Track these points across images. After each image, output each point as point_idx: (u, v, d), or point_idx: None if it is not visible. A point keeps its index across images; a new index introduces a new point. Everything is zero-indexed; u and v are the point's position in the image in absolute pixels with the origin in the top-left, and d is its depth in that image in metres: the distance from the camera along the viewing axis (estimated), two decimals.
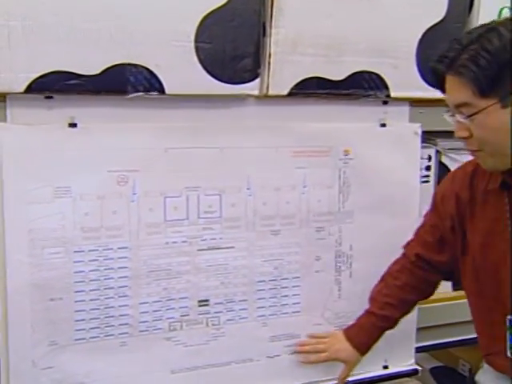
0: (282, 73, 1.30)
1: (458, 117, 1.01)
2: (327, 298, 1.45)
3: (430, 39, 1.41)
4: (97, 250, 1.24)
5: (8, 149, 1.15)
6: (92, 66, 1.16)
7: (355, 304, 1.43)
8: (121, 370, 1.29)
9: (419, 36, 1.41)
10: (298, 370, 1.45)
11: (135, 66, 1.19)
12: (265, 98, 1.31)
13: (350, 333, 1.36)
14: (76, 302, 1.24)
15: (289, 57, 1.30)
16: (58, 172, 1.19)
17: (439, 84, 1.03)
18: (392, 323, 1.34)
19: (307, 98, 1.35)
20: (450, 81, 1.00)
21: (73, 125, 1.19)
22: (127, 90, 1.19)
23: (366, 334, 1.34)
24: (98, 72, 1.16)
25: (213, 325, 1.37)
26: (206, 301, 1.35)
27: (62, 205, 1.20)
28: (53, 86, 1.15)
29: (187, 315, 1.33)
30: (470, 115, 0.99)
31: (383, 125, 1.45)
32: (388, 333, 1.37)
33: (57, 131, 1.18)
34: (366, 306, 1.38)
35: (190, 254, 1.32)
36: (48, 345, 1.23)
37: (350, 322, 1.40)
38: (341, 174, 1.43)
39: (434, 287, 1.36)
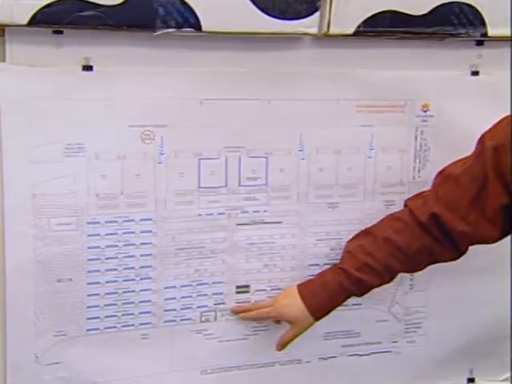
0: (347, 6, 1.17)
1: None
2: (396, 289, 1.32)
3: None
4: (115, 221, 1.16)
5: (8, 95, 1.06)
6: None
7: (431, 297, 1.33)
8: (141, 367, 1.22)
9: None
10: (357, 375, 1.34)
11: None
12: (325, 37, 1.18)
13: (307, 289, 1.17)
14: (89, 284, 1.17)
15: None
16: (68, 125, 1.10)
17: None
18: (364, 291, 1.15)
19: (378, 38, 1.21)
20: None
21: (87, 67, 1.10)
22: (155, 26, 1.09)
23: (328, 294, 1.14)
24: (119, 2, 1.05)
25: None
26: (246, 286, 1.26)
27: (73, 165, 1.11)
28: (63, 17, 1.04)
29: (222, 303, 1.26)
30: None
31: (475, 73, 1.31)
32: (475, 336, 1.25)
33: (67, 75, 1.09)
34: (448, 301, 1.27)
35: (228, 228, 1.23)
36: (54, 336, 1.16)
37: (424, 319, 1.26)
38: (417, 135, 1.29)
39: (429, 263, 1.16)
